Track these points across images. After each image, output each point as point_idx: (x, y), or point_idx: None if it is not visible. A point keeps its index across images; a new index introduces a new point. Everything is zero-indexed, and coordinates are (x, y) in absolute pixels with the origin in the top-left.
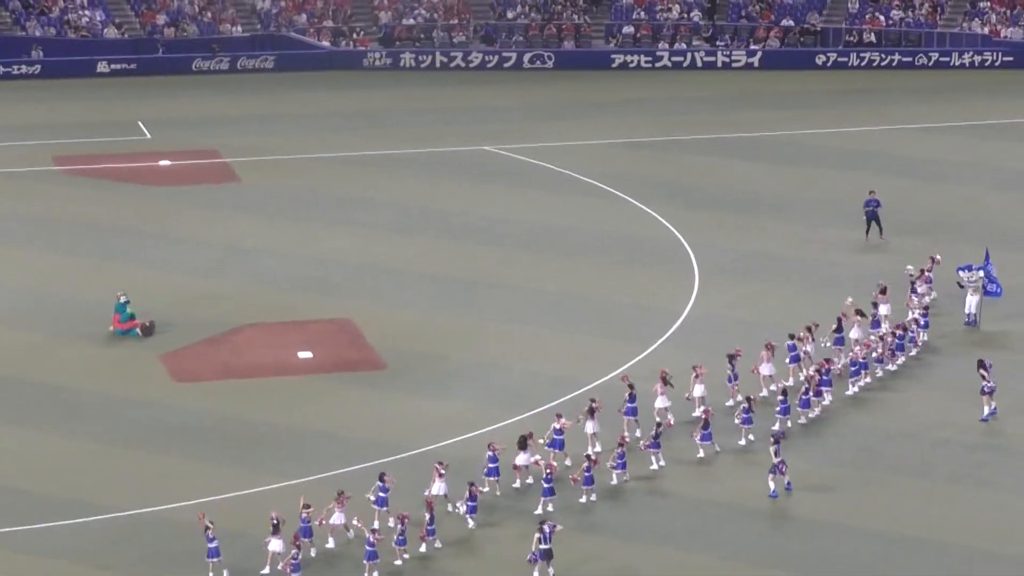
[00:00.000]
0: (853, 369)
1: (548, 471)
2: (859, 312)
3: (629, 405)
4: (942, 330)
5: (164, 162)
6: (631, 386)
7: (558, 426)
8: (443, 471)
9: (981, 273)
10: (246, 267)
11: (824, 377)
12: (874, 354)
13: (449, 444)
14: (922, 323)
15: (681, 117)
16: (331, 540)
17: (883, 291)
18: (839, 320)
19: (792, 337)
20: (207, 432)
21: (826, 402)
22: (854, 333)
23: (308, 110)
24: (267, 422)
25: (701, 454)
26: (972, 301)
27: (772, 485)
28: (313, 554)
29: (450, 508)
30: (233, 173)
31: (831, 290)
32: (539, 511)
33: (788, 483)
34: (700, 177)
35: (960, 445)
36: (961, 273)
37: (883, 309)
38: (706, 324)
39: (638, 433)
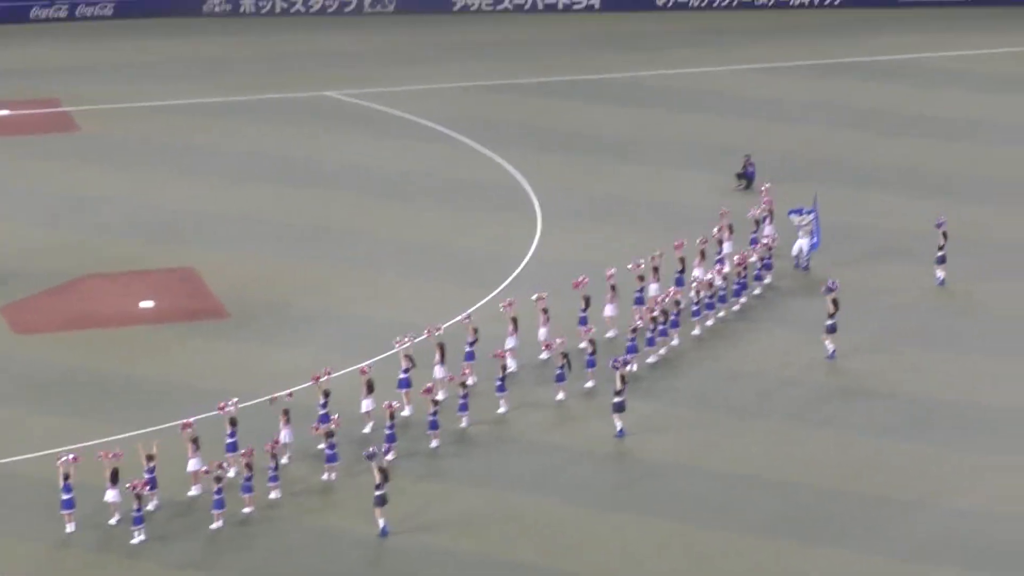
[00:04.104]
0: (695, 309)
1: (391, 420)
2: (701, 253)
3: (468, 349)
4: (784, 271)
5: (3, 112)
6: (475, 330)
7: (404, 367)
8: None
9: (811, 217)
10: (87, 217)
11: (673, 317)
12: (720, 292)
13: (294, 392)
14: (766, 263)
15: (524, 60)
16: (193, 488)
17: (730, 229)
18: (682, 260)
19: (641, 279)
20: (50, 383)
21: (674, 343)
22: (696, 272)
23: (149, 57)
24: (110, 372)
25: (560, 396)
26: (802, 244)
27: (619, 424)
28: (153, 506)
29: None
30: (73, 122)
31: (678, 232)
32: (391, 457)
33: (621, 429)
34: (544, 120)
35: (803, 384)
36: (792, 216)
37: (727, 247)
38: (551, 267)
39: (472, 380)
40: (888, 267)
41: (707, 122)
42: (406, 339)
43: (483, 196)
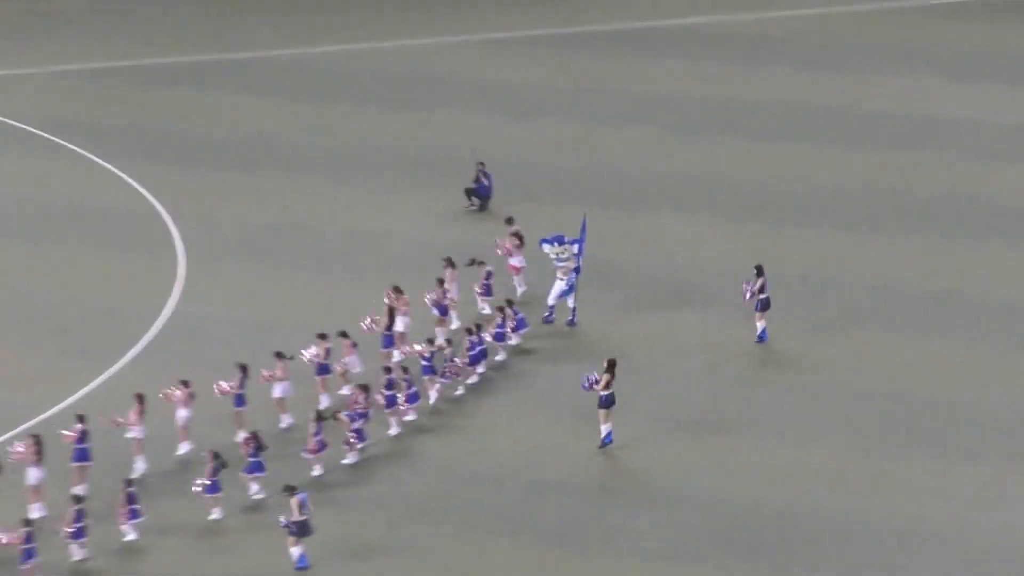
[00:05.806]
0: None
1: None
2: (396, 289)
3: (77, 447)
4: (536, 328)
5: None
6: (80, 417)
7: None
8: None
9: (575, 248)
10: None
11: (388, 394)
12: (445, 364)
13: None
14: (518, 319)
15: (137, 35)
16: None
17: (451, 263)
18: (389, 311)
19: (321, 339)
20: None
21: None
22: (400, 326)
23: None
24: None
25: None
26: (559, 288)
27: (296, 552)
28: None
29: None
30: None
31: (373, 273)
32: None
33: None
34: (178, 118)
35: (563, 490)
36: (545, 247)
37: (452, 291)
38: (196, 327)
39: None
40: (678, 315)
41: (411, 119)
42: None
43: (105, 228)
